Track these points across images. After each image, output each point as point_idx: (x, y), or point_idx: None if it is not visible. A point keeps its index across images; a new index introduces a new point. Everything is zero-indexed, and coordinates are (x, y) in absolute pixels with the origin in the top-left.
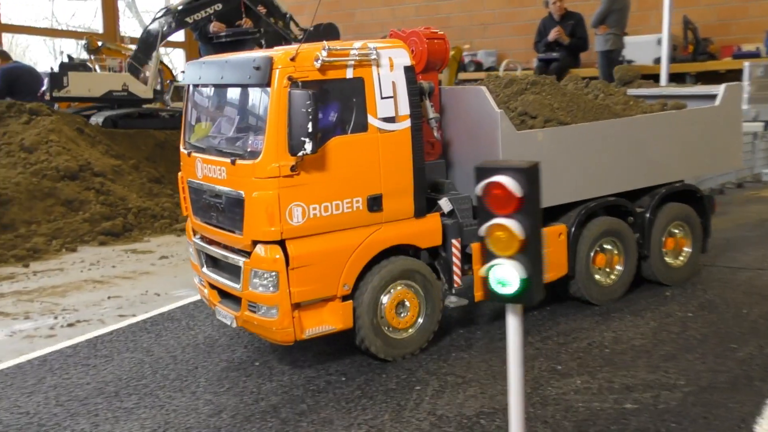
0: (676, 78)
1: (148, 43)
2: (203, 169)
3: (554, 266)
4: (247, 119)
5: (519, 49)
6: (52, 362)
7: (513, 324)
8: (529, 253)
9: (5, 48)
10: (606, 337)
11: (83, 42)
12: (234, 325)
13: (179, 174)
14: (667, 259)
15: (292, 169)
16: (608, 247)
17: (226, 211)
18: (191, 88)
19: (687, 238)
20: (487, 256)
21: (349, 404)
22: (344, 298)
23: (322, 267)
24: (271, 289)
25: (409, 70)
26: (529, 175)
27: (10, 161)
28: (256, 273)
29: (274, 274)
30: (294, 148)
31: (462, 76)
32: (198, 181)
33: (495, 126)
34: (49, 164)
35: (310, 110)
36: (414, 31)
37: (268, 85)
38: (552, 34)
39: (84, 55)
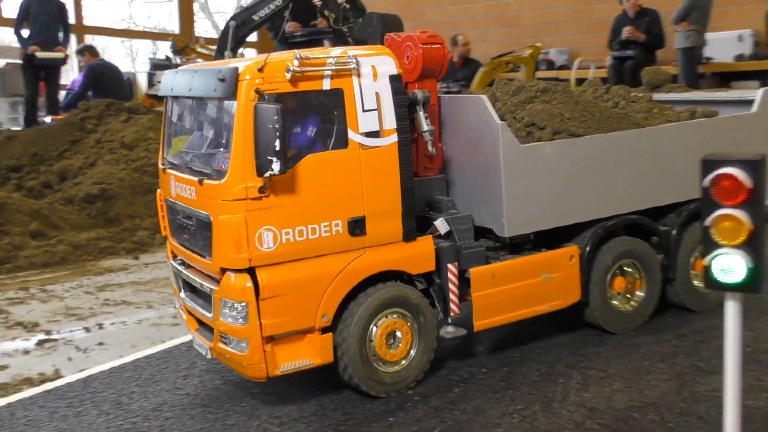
0: (758, 75)
1: (223, 42)
2: (176, 188)
3: (565, 292)
4: (215, 135)
5: (592, 47)
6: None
7: (733, 312)
8: (757, 242)
9: None
10: (745, 335)
11: (170, 42)
12: (209, 356)
13: (158, 191)
14: (697, 283)
15: (261, 190)
16: (628, 270)
17: (197, 234)
18: (169, 99)
19: None
20: (710, 246)
21: (497, 394)
22: (324, 330)
23: (297, 297)
24: (240, 320)
25: (395, 80)
26: (759, 167)
27: (113, 158)
28: (225, 303)
29: (242, 304)
30: (261, 168)
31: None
32: (171, 200)
33: (496, 139)
34: (148, 161)
35: (277, 126)
36: (409, 36)
37: (234, 98)
38: (626, 32)
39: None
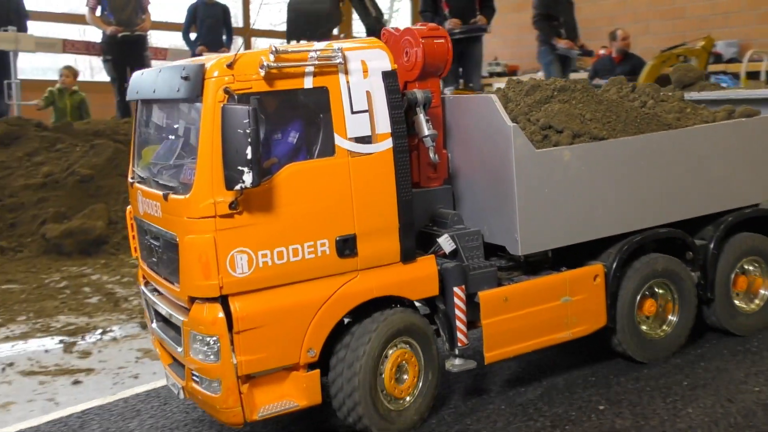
0: None
1: None
2: (143, 204)
3: (588, 316)
4: (183, 143)
5: (765, 39)
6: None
7: None
8: None
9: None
10: None
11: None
12: (181, 396)
13: (128, 208)
14: (738, 303)
15: (232, 206)
16: (659, 291)
17: (164, 256)
18: (139, 104)
19: (763, 277)
20: None
21: (736, 357)
22: (310, 367)
23: (277, 329)
24: (211, 357)
25: (389, 77)
26: None
27: None
28: (194, 336)
29: (213, 338)
30: (230, 180)
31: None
32: (140, 218)
33: (507, 143)
34: None
35: (249, 131)
36: (408, 29)
37: (200, 99)
38: None
39: None
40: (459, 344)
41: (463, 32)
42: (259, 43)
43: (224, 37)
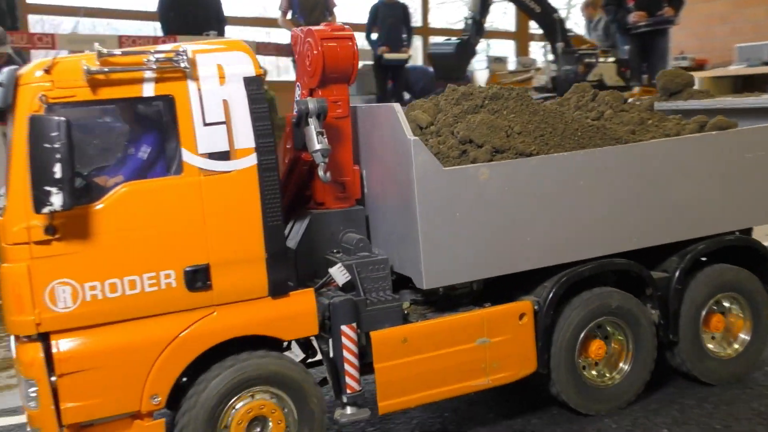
0: None
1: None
2: None
3: (512, 361)
4: (6, 159)
5: None
6: None
7: None
8: None
9: None
10: None
11: None
12: None
13: None
14: (711, 346)
15: (48, 231)
16: (611, 331)
17: None
18: None
19: (744, 318)
20: None
21: None
22: (158, 415)
23: (111, 372)
24: (32, 404)
25: (252, 83)
26: None
27: None
28: (19, 379)
29: (31, 382)
30: (37, 201)
31: None
32: None
33: (408, 160)
34: None
35: (58, 146)
36: (309, 31)
37: (12, 109)
38: None
39: None
40: (348, 391)
41: (649, 25)
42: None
43: (405, 36)
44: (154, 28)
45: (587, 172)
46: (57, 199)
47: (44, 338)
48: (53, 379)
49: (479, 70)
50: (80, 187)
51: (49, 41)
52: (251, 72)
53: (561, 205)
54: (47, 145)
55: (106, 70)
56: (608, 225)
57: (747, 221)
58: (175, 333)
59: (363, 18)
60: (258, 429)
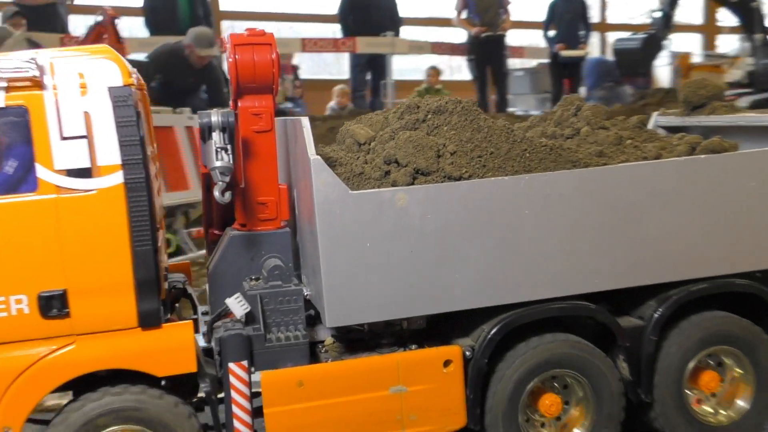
0: None
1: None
2: None
3: (435, 414)
4: None
5: None
6: None
7: None
8: None
9: None
10: None
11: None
12: None
13: None
14: (700, 409)
15: None
16: (570, 383)
17: None
18: None
19: (744, 380)
20: None
21: None
22: None
23: None
24: None
25: (119, 94)
26: None
27: None
28: None
29: None
30: None
31: None
32: None
33: (310, 181)
34: None
35: None
36: (231, 35)
37: None
38: None
39: None
40: None
41: None
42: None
43: (582, 32)
44: (333, 31)
45: (532, 199)
46: None
47: None
48: None
49: (661, 66)
50: None
51: None
52: (119, 82)
53: (498, 237)
54: None
55: None
56: (561, 262)
57: (748, 263)
58: (28, 363)
59: (540, 15)
60: None
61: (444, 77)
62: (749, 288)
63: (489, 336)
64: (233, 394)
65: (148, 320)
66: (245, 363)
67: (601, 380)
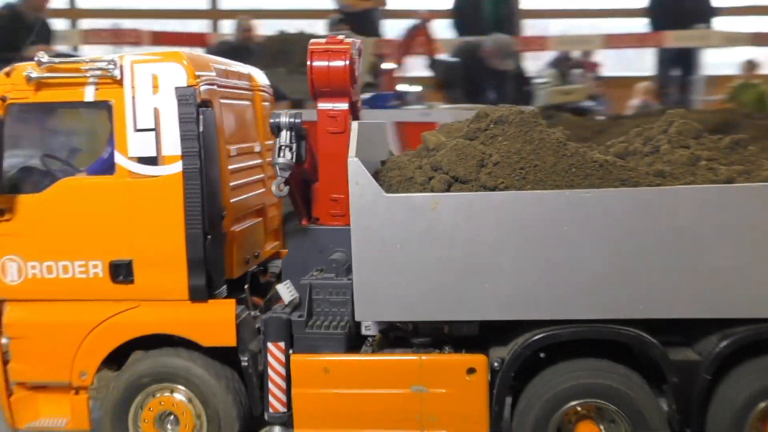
0: None
1: None
2: None
3: (455, 420)
4: None
5: None
6: None
7: None
8: None
9: None
10: None
11: None
12: None
13: None
14: None
15: None
16: (609, 418)
17: None
18: None
19: None
20: None
21: None
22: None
23: (46, 343)
24: None
25: (184, 93)
26: None
27: None
28: None
29: None
30: None
31: None
32: None
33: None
34: None
35: None
36: (313, 42)
37: None
38: None
39: None
40: (271, 410)
41: None
42: None
43: None
44: (636, 26)
45: (572, 216)
46: None
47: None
48: (4, 341)
49: None
50: (20, 177)
51: (540, 44)
52: (184, 82)
53: (533, 251)
54: None
55: (44, 75)
56: (602, 283)
57: None
58: (99, 319)
59: None
60: (168, 424)
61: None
62: None
63: (517, 350)
64: (269, 371)
65: (196, 294)
66: (282, 344)
67: (641, 415)
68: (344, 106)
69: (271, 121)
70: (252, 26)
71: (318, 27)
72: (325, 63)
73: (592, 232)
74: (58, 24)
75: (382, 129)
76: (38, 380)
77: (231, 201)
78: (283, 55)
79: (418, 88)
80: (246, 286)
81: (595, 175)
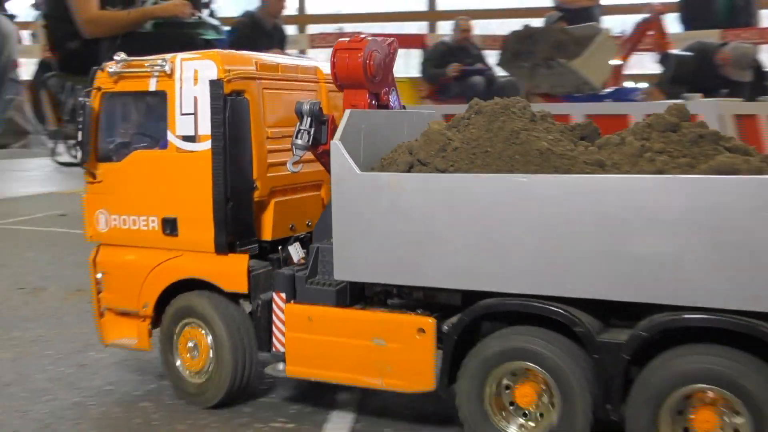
0: None
1: None
2: None
3: (407, 373)
4: None
5: None
6: None
7: None
8: None
9: None
10: None
11: None
12: None
13: None
14: None
15: (92, 177)
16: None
17: None
18: None
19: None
20: None
21: None
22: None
23: (120, 278)
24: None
25: (213, 85)
26: None
27: None
28: None
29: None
30: (80, 156)
31: None
32: None
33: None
34: None
35: (80, 120)
36: (338, 41)
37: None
38: None
39: None
40: (274, 349)
41: None
42: None
43: None
44: None
45: (509, 198)
46: (79, 156)
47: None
48: (98, 275)
49: None
50: (107, 150)
51: None
52: (215, 76)
53: (476, 229)
54: (80, 119)
55: (124, 71)
56: (535, 262)
57: (753, 302)
58: (155, 263)
59: None
60: (193, 350)
61: None
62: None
63: (462, 317)
64: (273, 316)
65: (219, 248)
66: (284, 295)
67: (564, 383)
68: (363, 97)
69: (296, 107)
70: (470, 26)
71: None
72: (344, 59)
73: (525, 215)
74: (289, 29)
75: (404, 118)
76: (119, 307)
77: (268, 176)
78: (525, 51)
79: (644, 85)
80: (280, 248)
81: (533, 162)
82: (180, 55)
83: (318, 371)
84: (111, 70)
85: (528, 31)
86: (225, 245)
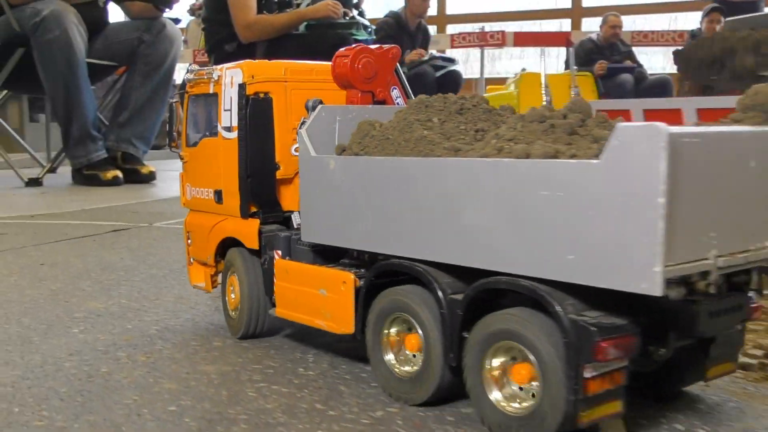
0: None
1: None
2: None
3: (337, 317)
4: None
5: None
6: None
7: None
8: None
9: None
10: None
11: None
12: None
13: None
14: (497, 396)
15: (181, 158)
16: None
17: None
18: None
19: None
20: None
21: None
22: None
23: (197, 235)
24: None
25: (240, 87)
26: None
27: None
28: None
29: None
30: (169, 143)
31: None
32: None
33: None
34: None
35: (168, 114)
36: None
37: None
38: None
39: None
40: (274, 297)
41: None
42: None
43: None
44: None
45: (391, 179)
46: (173, 143)
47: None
48: (187, 233)
49: None
50: (191, 137)
51: None
52: (241, 81)
53: (378, 202)
54: (167, 114)
55: (194, 78)
56: (408, 229)
57: (543, 270)
58: (213, 224)
59: None
60: (232, 292)
61: None
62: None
63: (367, 274)
64: (273, 269)
65: (243, 213)
66: (279, 252)
67: (427, 330)
68: (354, 97)
69: (305, 104)
70: (619, 22)
71: (681, 21)
72: (337, 65)
73: (396, 190)
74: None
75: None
76: (198, 258)
77: (292, 158)
78: (727, 55)
79: None
80: (292, 215)
81: (408, 147)
82: (225, 66)
83: (293, 314)
84: (187, 77)
85: (710, 57)
86: (247, 212)
